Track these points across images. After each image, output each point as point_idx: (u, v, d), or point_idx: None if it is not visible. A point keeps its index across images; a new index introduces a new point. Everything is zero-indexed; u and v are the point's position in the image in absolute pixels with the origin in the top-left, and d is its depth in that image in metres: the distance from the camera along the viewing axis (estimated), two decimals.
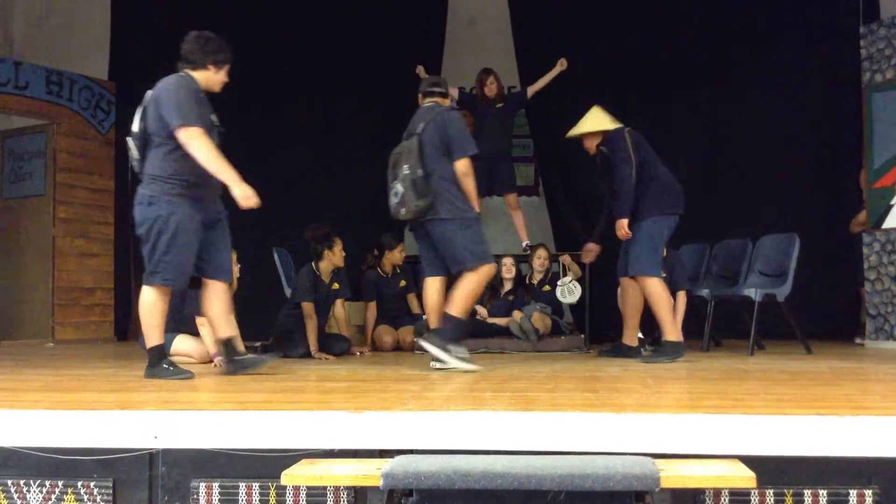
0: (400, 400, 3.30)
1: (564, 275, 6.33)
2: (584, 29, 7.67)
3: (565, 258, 6.44)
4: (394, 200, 4.59)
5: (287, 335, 5.69)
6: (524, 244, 7.28)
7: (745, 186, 7.19)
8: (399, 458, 2.80)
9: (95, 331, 7.90)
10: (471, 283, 4.54)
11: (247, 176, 7.60)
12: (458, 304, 4.53)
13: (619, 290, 5.58)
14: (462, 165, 4.59)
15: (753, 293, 5.53)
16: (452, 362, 4.44)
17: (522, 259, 6.90)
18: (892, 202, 6.36)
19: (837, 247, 7.13)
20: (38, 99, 7.55)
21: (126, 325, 8.09)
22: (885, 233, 6.43)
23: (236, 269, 5.27)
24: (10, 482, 3.18)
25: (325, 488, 2.97)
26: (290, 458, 3.08)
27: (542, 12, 7.78)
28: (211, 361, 5.05)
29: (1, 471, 3.19)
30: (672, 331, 5.05)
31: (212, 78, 4.47)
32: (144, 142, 4.33)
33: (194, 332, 5.24)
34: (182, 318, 5.23)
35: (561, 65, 7.11)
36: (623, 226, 5.09)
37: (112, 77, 8.15)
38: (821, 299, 7.03)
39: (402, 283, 6.62)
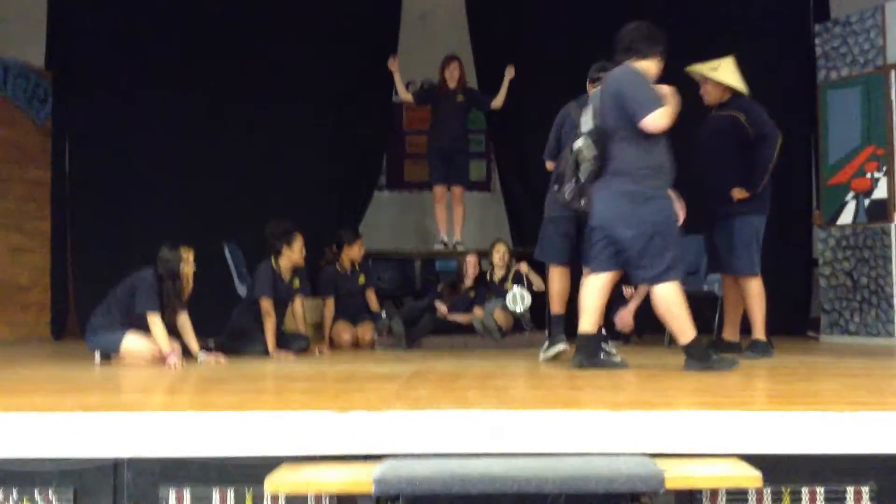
0: (381, 399, 3.14)
1: (518, 281, 6.20)
2: (540, 21, 7.58)
3: (522, 267, 6.31)
4: (570, 187, 4.39)
5: (244, 332, 5.47)
6: (455, 241, 7.20)
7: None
8: (390, 463, 2.65)
9: (31, 330, 7.49)
10: (588, 285, 4.57)
11: (198, 169, 7.46)
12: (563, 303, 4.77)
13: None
14: None
15: (717, 288, 5.52)
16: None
17: (484, 256, 6.78)
18: (847, 199, 6.44)
19: (787, 241, 7.18)
20: None
21: (63, 324, 7.72)
22: (839, 228, 6.50)
23: (192, 267, 5.03)
24: None
25: (305, 496, 2.78)
26: (268, 463, 2.91)
27: (498, 5, 7.68)
28: (163, 360, 4.81)
29: None
30: (763, 330, 4.99)
31: (652, 69, 4.20)
32: (602, 140, 4.10)
33: (143, 330, 4.97)
34: (132, 315, 4.96)
35: (509, 73, 7.04)
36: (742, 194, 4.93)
37: (49, 66, 7.75)
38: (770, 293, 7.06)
39: (361, 279, 6.44)
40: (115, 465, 2.93)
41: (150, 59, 7.49)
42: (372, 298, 6.47)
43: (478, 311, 6.18)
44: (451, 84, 7.08)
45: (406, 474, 2.56)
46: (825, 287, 6.62)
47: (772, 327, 6.64)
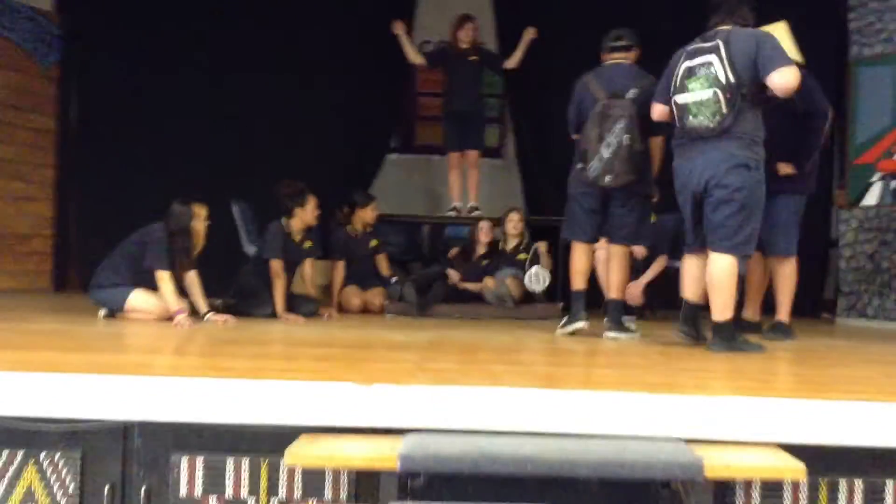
0: (405, 371, 3.02)
1: (535, 261, 6.05)
2: None
3: (541, 246, 6.16)
4: (597, 165, 4.33)
5: (252, 293, 5.33)
6: (470, 205, 7.05)
7: None
8: (415, 438, 2.52)
9: (31, 280, 7.36)
10: (625, 262, 4.64)
11: (208, 123, 7.28)
12: (621, 287, 4.63)
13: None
14: (663, 143, 4.53)
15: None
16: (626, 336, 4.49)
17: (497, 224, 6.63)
18: (873, 179, 6.28)
19: (805, 220, 7.02)
20: None
21: (65, 276, 7.58)
22: (863, 210, 6.35)
23: (203, 224, 4.89)
24: None
25: (322, 468, 2.66)
26: (283, 433, 2.79)
27: None
28: (170, 319, 4.68)
29: None
30: (789, 313, 4.88)
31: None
32: (733, 95, 3.78)
33: (151, 287, 4.83)
34: (140, 271, 4.82)
35: (529, 34, 6.83)
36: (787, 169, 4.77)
37: (59, 9, 7.52)
38: None
39: (373, 242, 6.28)
40: (125, 429, 2.81)
41: (162, 8, 7.26)
42: (383, 263, 6.32)
43: (489, 281, 6.04)
44: (465, 44, 6.86)
45: (433, 451, 2.45)
46: (844, 269, 6.48)
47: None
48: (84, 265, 7.58)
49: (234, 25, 7.30)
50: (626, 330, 4.51)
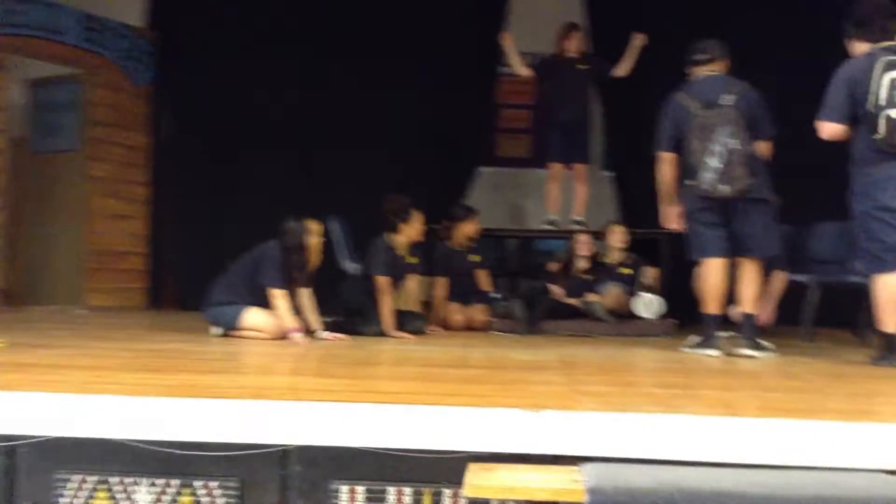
0: (561, 395, 2.88)
1: (647, 289, 5.87)
2: None
3: (651, 274, 5.99)
4: (709, 177, 4.23)
5: (359, 310, 5.23)
6: (574, 218, 6.88)
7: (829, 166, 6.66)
8: (596, 469, 2.37)
9: (128, 298, 7.39)
10: (759, 276, 4.47)
11: (302, 139, 7.25)
12: (754, 301, 4.45)
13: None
14: (769, 147, 4.46)
15: (866, 280, 5.10)
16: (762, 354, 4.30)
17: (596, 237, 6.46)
18: None
19: None
20: (73, 46, 6.96)
21: (159, 293, 7.60)
22: None
23: (318, 239, 4.83)
24: (114, 480, 2.74)
25: (502, 500, 2.53)
26: (446, 460, 2.67)
27: None
28: (284, 338, 4.62)
29: (104, 466, 2.76)
30: None
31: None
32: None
33: (265, 305, 4.77)
34: (254, 289, 4.77)
35: (637, 40, 6.66)
36: None
37: (152, 26, 7.58)
38: None
39: (475, 257, 6.15)
40: (283, 455, 2.72)
41: (256, 22, 7.26)
42: (484, 278, 6.19)
43: (592, 296, 5.87)
44: (572, 53, 6.73)
45: (624, 484, 2.29)
46: None
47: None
48: (178, 282, 7.63)
49: (326, 42, 7.27)
50: (763, 348, 4.30)
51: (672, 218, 4.67)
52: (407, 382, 3.14)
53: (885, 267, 3.90)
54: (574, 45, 6.68)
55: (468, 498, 2.59)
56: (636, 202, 7.14)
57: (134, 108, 7.45)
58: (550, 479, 2.37)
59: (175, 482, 2.73)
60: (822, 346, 5.12)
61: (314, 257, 4.83)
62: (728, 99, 4.30)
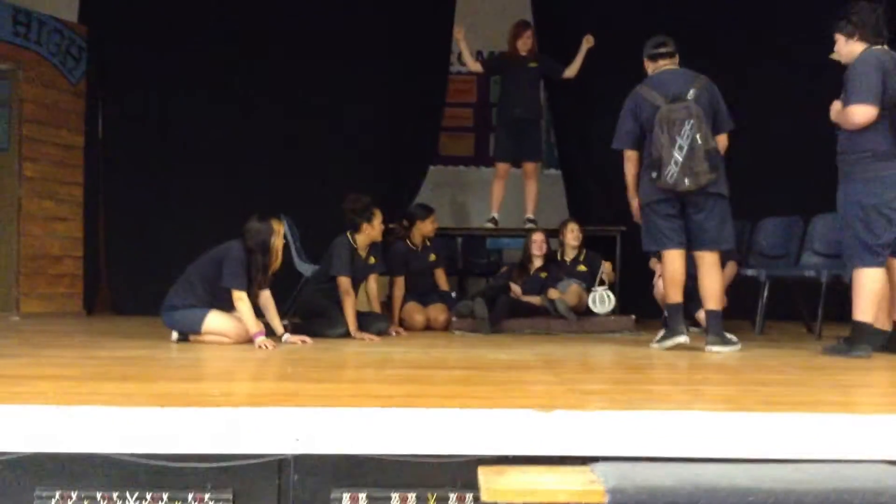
0: (560, 394, 2.84)
1: (600, 283, 5.89)
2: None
3: (607, 267, 6.01)
4: (673, 170, 4.26)
5: (321, 312, 5.11)
6: (527, 217, 6.89)
7: (792, 161, 6.80)
8: (612, 469, 2.33)
9: (63, 303, 7.07)
10: (718, 270, 4.50)
11: (242, 137, 7.05)
12: (718, 297, 4.47)
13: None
14: (727, 140, 4.54)
15: (821, 274, 5.26)
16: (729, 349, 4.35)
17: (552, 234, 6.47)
18: None
19: None
20: (2, 41, 6.63)
21: (94, 298, 7.30)
22: None
23: (282, 241, 4.70)
24: (99, 495, 2.59)
25: None
26: (451, 464, 2.61)
27: None
28: (250, 341, 4.47)
29: (88, 481, 2.60)
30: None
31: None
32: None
33: (226, 308, 4.62)
34: (214, 291, 4.60)
35: (587, 42, 6.72)
36: None
37: (83, 20, 7.27)
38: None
39: (433, 256, 6.08)
40: (280, 464, 2.61)
41: (192, 17, 7.04)
42: (442, 278, 6.13)
43: (553, 293, 5.87)
44: (524, 51, 6.73)
45: (644, 484, 2.26)
46: None
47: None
48: (112, 287, 7.34)
49: (269, 37, 7.09)
50: (730, 342, 4.36)
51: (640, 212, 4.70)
52: (400, 385, 3.06)
53: (875, 261, 3.98)
54: (526, 44, 6.68)
55: (484, 503, 2.54)
56: (586, 199, 7.20)
57: (68, 105, 7.13)
58: (567, 481, 2.32)
59: (165, 496, 2.59)
60: (774, 338, 5.23)
61: (277, 259, 4.69)
62: (692, 93, 4.37)
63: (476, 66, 6.91)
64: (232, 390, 2.96)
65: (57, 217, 7.03)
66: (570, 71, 6.75)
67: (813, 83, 6.56)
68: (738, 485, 2.27)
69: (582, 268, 6.16)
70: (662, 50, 4.61)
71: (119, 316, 7.00)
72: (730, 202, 4.62)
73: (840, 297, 5.50)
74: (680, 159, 4.22)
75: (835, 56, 4.30)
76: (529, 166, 6.88)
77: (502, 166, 6.92)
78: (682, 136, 4.23)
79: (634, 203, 4.69)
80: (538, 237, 6.27)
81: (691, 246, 4.52)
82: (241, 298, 4.50)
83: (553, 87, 7.28)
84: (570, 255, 6.24)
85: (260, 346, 4.34)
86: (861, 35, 4.08)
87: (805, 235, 5.79)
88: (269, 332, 4.62)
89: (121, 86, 7.20)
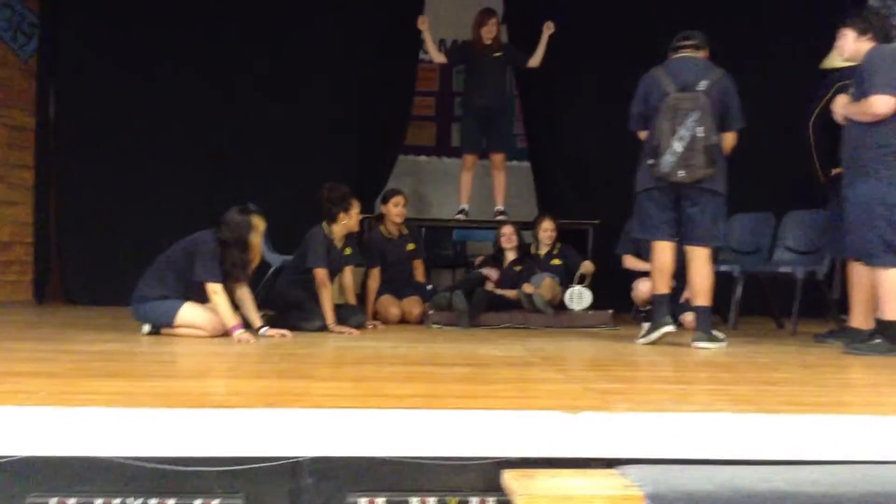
0: (580, 394, 2.78)
1: (580, 281, 5.84)
2: None
3: (586, 266, 5.97)
4: (669, 160, 4.22)
5: (298, 305, 4.95)
6: (497, 209, 6.83)
7: (764, 158, 6.82)
8: (653, 473, 2.27)
9: (12, 291, 6.75)
10: (708, 266, 4.42)
11: (204, 120, 6.80)
12: (707, 293, 4.41)
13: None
14: (735, 139, 4.48)
15: (797, 270, 5.30)
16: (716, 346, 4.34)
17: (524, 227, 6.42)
18: None
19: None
20: None
21: (45, 287, 6.98)
22: None
23: (261, 238, 4.53)
24: (100, 501, 2.43)
25: None
26: (471, 466, 2.52)
27: None
28: (225, 335, 4.30)
29: (86, 486, 2.43)
30: None
31: None
32: None
33: (199, 299, 4.43)
34: (187, 282, 4.41)
35: (548, 29, 6.66)
36: None
37: None
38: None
39: (410, 246, 5.94)
40: (293, 467, 2.48)
41: None
42: (419, 268, 6.01)
43: (527, 287, 5.81)
44: (488, 40, 6.62)
45: (682, 488, 2.21)
46: None
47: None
48: (65, 275, 7.02)
49: (229, 21, 6.85)
50: (716, 339, 4.36)
51: None
52: (408, 384, 2.94)
53: None
54: (491, 32, 6.58)
55: None
56: (557, 193, 7.15)
57: (19, 84, 6.81)
58: (602, 486, 2.24)
59: (171, 501, 2.44)
60: (750, 333, 5.25)
61: (256, 255, 4.51)
62: (704, 84, 4.30)
63: (440, 58, 6.80)
64: (237, 389, 2.81)
65: (6, 201, 6.71)
66: (535, 60, 6.68)
67: (786, 82, 6.70)
68: (776, 489, 2.22)
69: (556, 261, 6.11)
70: (685, 43, 4.54)
71: (72, 306, 6.70)
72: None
73: (812, 293, 5.61)
74: (678, 150, 4.19)
75: (828, 63, 4.33)
76: (497, 157, 6.80)
77: (469, 157, 6.82)
78: (685, 127, 4.19)
79: None
80: (507, 230, 6.20)
81: (683, 240, 4.51)
82: (216, 291, 4.32)
83: (523, 79, 7.21)
84: (543, 250, 6.19)
85: (239, 340, 4.17)
86: (873, 35, 4.09)
87: (777, 231, 5.84)
88: (246, 325, 4.45)
89: (74, 65, 6.87)
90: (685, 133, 4.19)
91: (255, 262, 4.56)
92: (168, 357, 3.65)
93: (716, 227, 4.45)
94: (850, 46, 4.17)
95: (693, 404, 2.60)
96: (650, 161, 4.36)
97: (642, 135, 4.59)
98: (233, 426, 2.36)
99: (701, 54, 4.55)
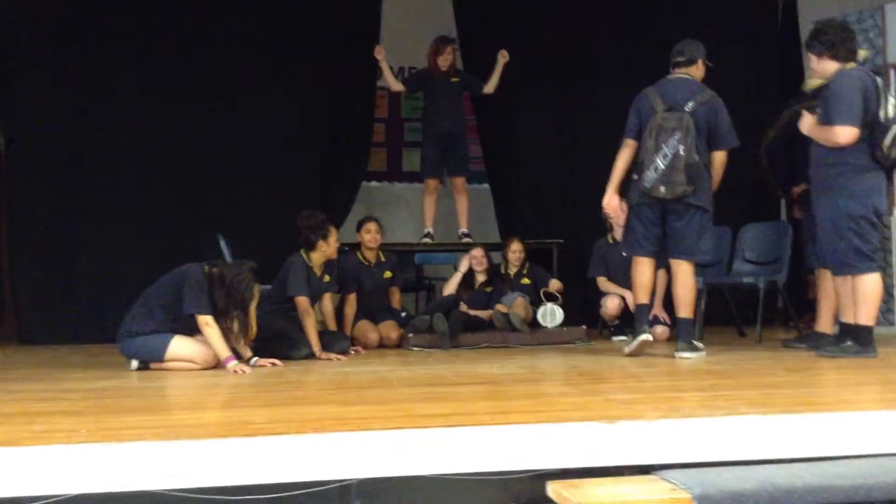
0: (612, 405, 2.89)
1: (547, 299, 5.98)
2: (528, 4, 7.36)
3: (554, 286, 6.11)
4: (652, 175, 4.43)
5: (281, 335, 4.93)
6: (462, 231, 6.94)
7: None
8: (699, 476, 2.40)
9: None
10: (692, 278, 4.62)
11: (163, 148, 6.67)
12: (690, 305, 4.63)
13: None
14: (724, 157, 4.65)
15: (759, 280, 5.56)
16: (696, 355, 4.54)
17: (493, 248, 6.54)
18: None
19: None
20: None
21: None
22: None
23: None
24: None
25: None
26: (514, 480, 2.60)
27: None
28: (217, 367, 4.29)
29: None
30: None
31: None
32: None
33: (189, 332, 4.40)
34: (177, 316, 4.38)
35: (503, 57, 6.85)
36: None
37: None
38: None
39: (387, 273, 5.98)
40: (341, 491, 2.53)
41: (103, 11, 6.56)
42: (396, 296, 6.06)
43: (501, 307, 5.92)
44: (444, 67, 6.78)
45: (727, 489, 2.33)
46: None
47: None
48: (19, 313, 6.75)
49: (193, 44, 6.75)
50: (697, 349, 4.54)
51: (613, 205, 4.81)
52: (436, 404, 3.01)
53: (873, 266, 4.23)
54: (447, 60, 6.73)
55: None
56: (517, 215, 7.29)
57: None
58: (649, 490, 2.35)
59: None
60: (716, 342, 5.43)
61: (252, 328, 4.51)
62: (690, 105, 4.51)
63: (398, 87, 6.93)
64: (276, 417, 2.82)
65: None
66: (489, 87, 6.87)
67: (738, 99, 6.98)
68: (811, 483, 2.37)
69: (526, 280, 6.25)
70: (678, 59, 4.75)
71: (29, 346, 6.42)
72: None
73: (771, 302, 5.89)
74: (661, 167, 4.40)
75: (808, 85, 4.59)
76: (458, 181, 6.93)
77: (431, 182, 6.92)
78: (668, 146, 4.39)
79: (613, 195, 4.77)
80: (478, 252, 6.29)
81: (668, 253, 4.69)
82: (208, 323, 4.30)
83: (479, 104, 7.36)
84: (513, 270, 6.32)
85: (235, 371, 4.16)
86: (832, 54, 4.34)
87: (735, 244, 6.09)
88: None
89: (23, 87, 6.54)
90: (668, 151, 4.40)
91: (253, 333, 4.54)
92: (179, 390, 3.63)
93: (701, 242, 4.66)
94: (818, 69, 4.44)
95: (717, 409, 2.73)
96: (635, 176, 4.59)
97: (630, 143, 4.74)
98: (282, 453, 2.39)
99: (694, 68, 4.76)
